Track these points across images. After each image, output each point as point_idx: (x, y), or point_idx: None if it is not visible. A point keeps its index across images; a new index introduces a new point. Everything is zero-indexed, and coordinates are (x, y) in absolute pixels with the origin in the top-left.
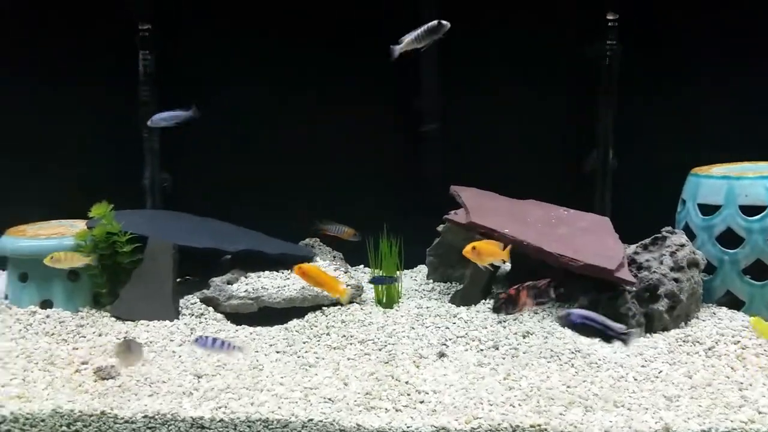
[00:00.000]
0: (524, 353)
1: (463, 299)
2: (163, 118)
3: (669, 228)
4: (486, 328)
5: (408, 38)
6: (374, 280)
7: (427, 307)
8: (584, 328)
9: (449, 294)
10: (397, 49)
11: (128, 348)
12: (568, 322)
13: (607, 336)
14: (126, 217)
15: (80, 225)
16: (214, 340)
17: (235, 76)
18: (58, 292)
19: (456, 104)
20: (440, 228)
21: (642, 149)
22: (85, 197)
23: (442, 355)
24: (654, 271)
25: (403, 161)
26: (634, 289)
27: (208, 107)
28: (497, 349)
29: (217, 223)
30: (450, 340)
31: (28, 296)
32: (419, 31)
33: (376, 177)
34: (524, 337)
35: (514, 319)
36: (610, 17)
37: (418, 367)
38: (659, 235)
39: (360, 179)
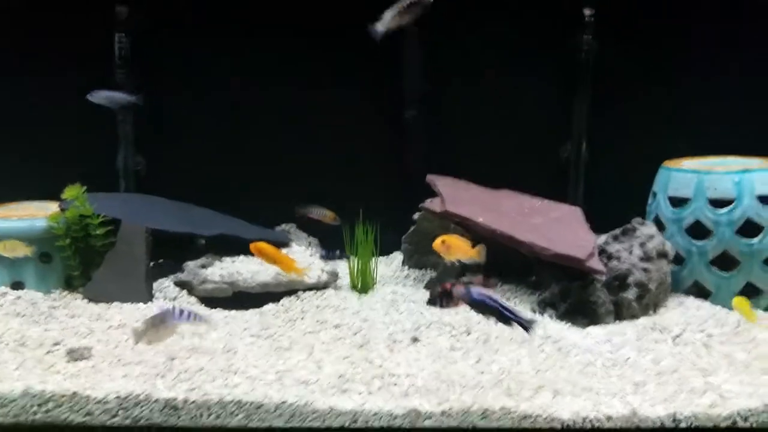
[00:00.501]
0: (496, 338)
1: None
2: (104, 97)
3: (639, 219)
4: (458, 314)
5: (389, 15)
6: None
7: (402, 294)
8: (483, 307)
9: (423, 281)
10: (379, 27)
11: (162, 321)
12: (467, 297)
13: (504, 318)
14: (99, 200)
15: (53, 206)
16: (181, 311)
17: (214, 61)
18: (30, 273)
19: (438, 91)
20: (416, 216)
21: (616, 142)
22: (58, 179)
23: (415, 339)
24: (623, 261)
25: (383, 148)
26: (603, 278)
27: (186, 92)
28: (469, 334)
29: (194, 208)
30: (423, 325)
31: None
32: (399, 6)
33: (354, 163)
34: (495, 323)
35: None
36: (587, 12)
37: (391, 351)
38: (629, 226)
39: (338, 165)
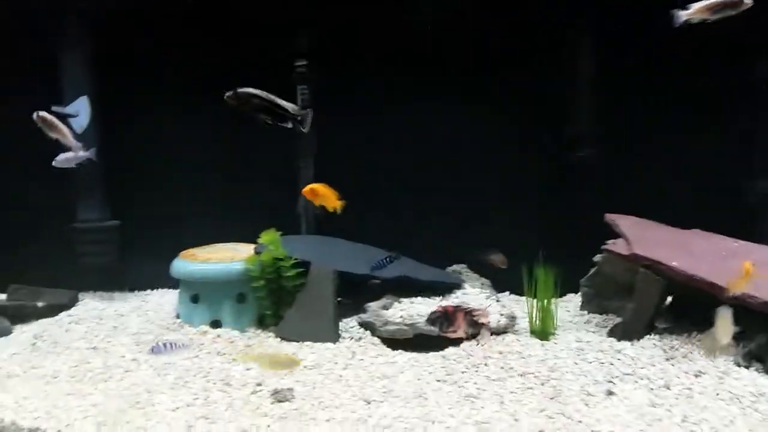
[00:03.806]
0: (699, 394)
1: (624, 333)
2: (65, 159)
3: None
4: (654, 365)
5: (701, 4)
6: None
7: (587, 341)
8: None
9: (606, 327)
10: (682, 14)
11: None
12: None
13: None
14: (290, 243)
15: (244, 248)
16: (165, 344)
17: (386, 101)
18: (227, 312)
19: (611, 128)
20: (597, 258)
21: None
22: (243, 221)
23: (610, 393)
24: None
25: (555, 187)
26: None
27: (357, 134)
28: (669, 389)
29: (370, 249)
30: (617, 377)
31: (200, 316)
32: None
33: (523, 202)
34: (696, 376)
35: (684, 357)
36: None
37: (587, 405)
38: None
39: (506, 203)
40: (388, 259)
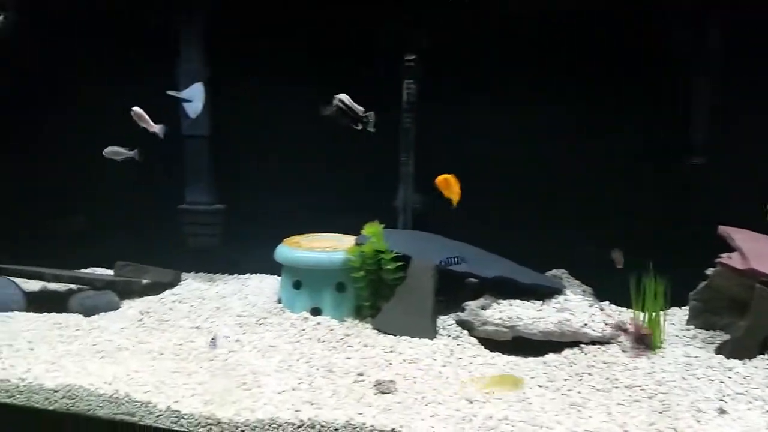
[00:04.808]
0: None
1: (734, 351)
2: (113, 152)
3: None
4: None
5: None
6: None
7: (696, 356)
8: None
9: (714, 343)
10: None
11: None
12: None
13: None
14: (391, 237)
15: (345, 239)
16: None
17: (492, 100)
18: (327, 300)
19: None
20: (709, 272)
21: None
22: (340, 213)
23: (722, 411)
24: None
25: (661, 197)
26: None
27: (463, 136)
28: None
29: (468, 247)
30: (728, 396)
31: (301, 303)
32: None
33: (631, 210)
34: None
35: None
36: None
37: (699, 422)
38: None
39: (613, 211)
40: (456, 260)
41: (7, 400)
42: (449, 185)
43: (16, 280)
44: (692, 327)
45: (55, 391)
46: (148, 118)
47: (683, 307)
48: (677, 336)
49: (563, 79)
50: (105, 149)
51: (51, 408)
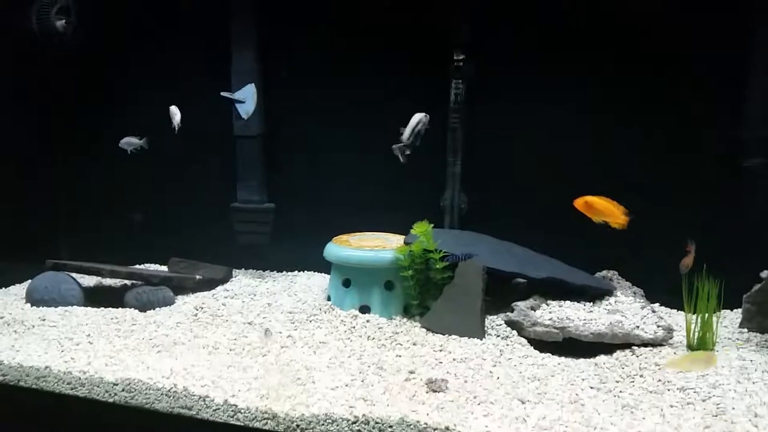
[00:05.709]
0: None
1: None
2: (126, 142)
3: None
4: None
5: None
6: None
7: (750, 360)
8: None
9: None
10: None
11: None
12: None
13: None
14: (439, 236)
15: (392, 238)
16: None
17: (542, 100)
18: (375, 299)
19: None
20: (764, 274)
21: None
22: (387, 213)
23: None
24: None
25: (718, 198)
26: None
27: (506, 136)
28: None
29: (516, 247)
30: None
31: (350, 300)
32: None
33: (685, 210)
34: None
35: None
36: None
37: (756, 427)
38: None
39: (666, 210)
40: (463, 257)
41: (70, 392)
42: (593, 209)
43: (74, 275)
44: (745, 330)
45: (115, 384)
46: (178, 118)
47: (735, 310)
48: (729, 339)
49: (622, 79)
50: (121, 141)
51: (111, 401)
